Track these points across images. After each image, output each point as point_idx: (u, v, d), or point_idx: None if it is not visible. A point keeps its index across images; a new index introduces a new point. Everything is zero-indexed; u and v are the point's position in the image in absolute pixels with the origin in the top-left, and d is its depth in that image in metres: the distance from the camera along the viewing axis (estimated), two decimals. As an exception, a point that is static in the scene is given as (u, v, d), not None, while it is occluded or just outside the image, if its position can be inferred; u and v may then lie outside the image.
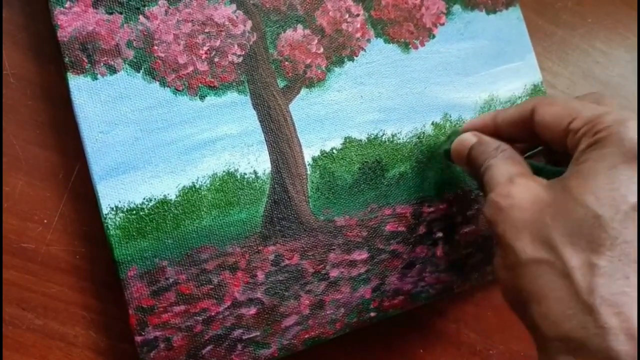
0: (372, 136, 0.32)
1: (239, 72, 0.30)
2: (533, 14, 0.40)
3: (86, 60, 0.28)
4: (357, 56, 0.32)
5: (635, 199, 0.21)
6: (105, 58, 0.28)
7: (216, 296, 0.28)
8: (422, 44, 0.34)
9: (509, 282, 0.24)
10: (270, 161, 0.30)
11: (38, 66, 0.30)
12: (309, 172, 0.31)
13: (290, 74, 0.31)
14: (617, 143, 0.22)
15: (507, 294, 0.24)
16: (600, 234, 0.21)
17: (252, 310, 0.29)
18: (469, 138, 0.29)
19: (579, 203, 0.21)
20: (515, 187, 0.24)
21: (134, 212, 0.28)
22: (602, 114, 0.23)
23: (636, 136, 0.21)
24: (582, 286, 0.21)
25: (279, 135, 0.30)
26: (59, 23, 0.28)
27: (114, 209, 0.27)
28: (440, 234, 0.33)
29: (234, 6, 0.30)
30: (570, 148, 0.24)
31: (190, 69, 0.29)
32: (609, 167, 0.21)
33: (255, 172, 0.30)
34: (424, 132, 0.33)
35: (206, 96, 0.29)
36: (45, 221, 0.29)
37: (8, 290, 0.28)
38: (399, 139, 0.32)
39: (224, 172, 0.29)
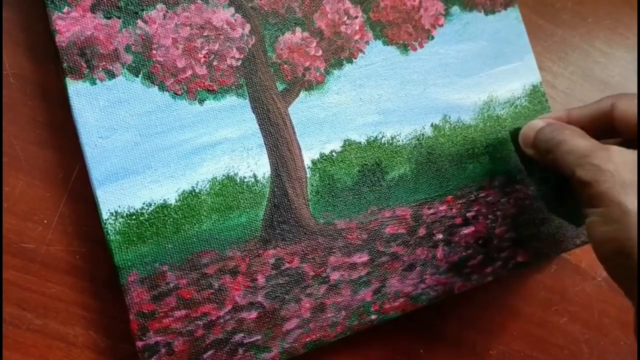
0: (372, 138, 0.32)
1: (237, 75, 0.30)
2: (533, 14, 0.40)
3: (85, 66, 0.28)
4: (355, 58, 0.32)
5: None
6: (104, 63, 0.28)
7: (217, 300, 0.28)
8: (421, 46, 0.34)
9: (611, 235, 0.26)
10: (270, 165, 0.30)
11: (38, 66, 0.30)
12: (308, 175, 0.31)
13: (289, 77, 0.31)
14: None
15: (603, 247, 0.26)
16: None
17: (253, 314, 0.29)
18: (537, 122, 0.31)
19: None
20: (611, 152, 0.26)
21: (134, 217, 0.28)
22: None
23: None
24: None
25: (278, 138, 0.30)
26: (57, 28, 0.27)
27: (114, 214, 0.27)
28: (440, 236, 0.33)
29: (232, 9, 0.30)
30: None
31: (189, 72, 0.29)
32: None
33: (255, 176, 0.30)
34: (423, 134, 0.33)
35: (205, 100, 0.29)
36: (45, 221, 0.29)
37: (8, 290, 0.28)
38: (399, 141, 0.32)
39: (223, 176, 0.29)
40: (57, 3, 0.28)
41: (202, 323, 0.28)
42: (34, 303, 0.29)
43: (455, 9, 0.35)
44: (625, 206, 0.25)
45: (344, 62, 0.32)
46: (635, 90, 0.41)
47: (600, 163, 0.26)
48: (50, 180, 0.30)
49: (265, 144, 0.30)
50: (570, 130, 0.29)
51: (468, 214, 0.33)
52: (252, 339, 0.29)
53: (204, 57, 0.30)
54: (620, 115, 0.28)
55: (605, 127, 0.29)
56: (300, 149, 0.31)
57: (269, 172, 0.30)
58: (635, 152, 0.26)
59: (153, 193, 0.28)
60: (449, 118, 0.34)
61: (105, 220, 0.27)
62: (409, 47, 0.33)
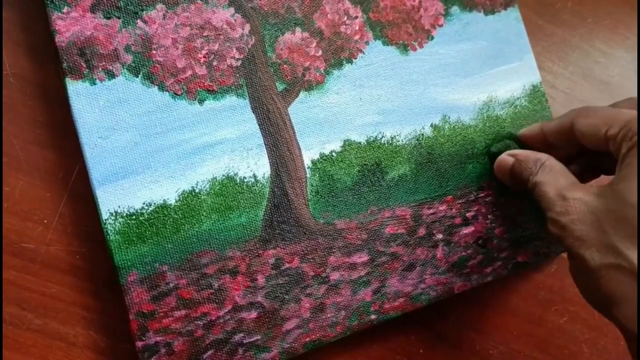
0: (372, 138, 0.32)
1: (237, 75, 0.30)
2: (533, 14, 0.40)
3: (84, 66, 0.28)
4: (355, 58, 0.32)
5: None
6: (104, 63, 0.28)
7: (217, 300, 0.28)
8: (421, 46, 0.34)
9: (586, 285, 0.26)
10: (270, 165, 0.30)
11: (38, 66, 0.30)
12: (308, 176, 0.31)
13: (289, 77, 0.31)
14: None
15: (586, 297, 0.27)
16: None
17: (253, 314, 0.29)
18: (508, 159, 0.32)
19: (631, 205, 0.23)
20: (568, 202, 0.26)
21: (134, 217, 0.28)
22: (635, 117, 0.25)
23: None
24: None
25: (278, 138, 0.30)
26: (56, 28, 0.27)
27: (114, 214, 0.27)
28: (440, 236, 0.33)
29: (232, 9, 0.30)
30: (613, 153, 0.26)
31: (189, 73, 0.29)
32: None
33: (254, 176, 0.30)
34: (422, 134, 0.33)
35: (205, 100, 0.29)
36: (45, 221, 0.29)
37: (8, 290, 0.28)
38: (398, 141, 0.32)
39: (223, 176, 0.29)
40: (57, 3, 0.28)
41: (201, 323, 0.28)
42: (34, 303, 0.29)
43: (455, 9, 0.35)
44: (587, 261, 0.25)
45: (344, 62, 0.32)
46: (635, 90, 0.41)
47: (559, 217, 0.26)
48: (50, 180, 0.30)
49: (265, 144, 0.30)
50: (543, 166, 0.29)
51: (468, 214, 0.33)
52: (251, 339, 0.29)
53: (204, 57, 0.30)
54: (577, 133, 0.29)
55: (572, 140, 0.30)
56: (300, 149, 0.31)
57: (269, 172, 0.30)
58: (593, 194, 0.26)
59: (153, 193, 0.28)
60: (449, 118, 0.34)
61: (105, 220, 0.27)
62: (409, 47, 0.33)
